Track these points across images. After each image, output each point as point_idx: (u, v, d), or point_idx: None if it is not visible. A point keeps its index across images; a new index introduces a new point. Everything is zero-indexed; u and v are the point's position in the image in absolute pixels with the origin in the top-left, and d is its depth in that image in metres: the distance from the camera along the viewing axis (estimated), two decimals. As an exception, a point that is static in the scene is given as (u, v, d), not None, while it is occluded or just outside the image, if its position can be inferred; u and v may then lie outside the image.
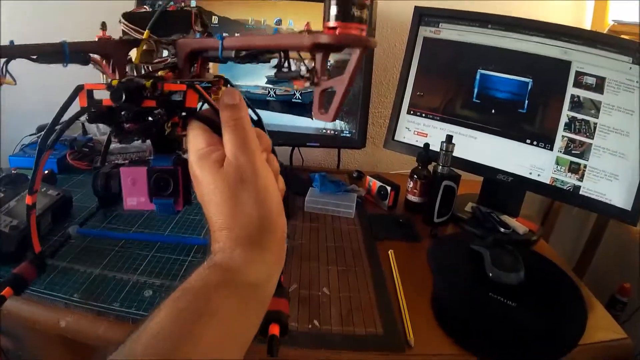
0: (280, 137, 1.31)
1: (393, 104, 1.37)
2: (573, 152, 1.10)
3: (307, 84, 0.48)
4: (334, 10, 0.42)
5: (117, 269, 0.92)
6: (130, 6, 0.91)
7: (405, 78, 1.33)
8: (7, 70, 0.64)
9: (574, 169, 1.10)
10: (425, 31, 1.29)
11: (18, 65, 0.59)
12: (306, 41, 0.47)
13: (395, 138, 1.37)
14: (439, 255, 1.03)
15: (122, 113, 0.60)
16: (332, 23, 0.43)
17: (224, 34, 0.62)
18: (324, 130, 1.37)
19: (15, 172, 1.13)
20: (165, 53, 0.77)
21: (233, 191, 0.48)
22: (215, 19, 0.79)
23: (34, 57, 0.66)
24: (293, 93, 1.34)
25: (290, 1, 1.32)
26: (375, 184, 1.30)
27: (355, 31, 0.42)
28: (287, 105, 1.36)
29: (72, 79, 0.63)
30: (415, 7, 1.28)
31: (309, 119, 1.35)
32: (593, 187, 1.08)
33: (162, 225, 1.10)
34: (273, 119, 1.35)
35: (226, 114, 0.53)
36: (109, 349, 0.42)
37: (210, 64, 0.77)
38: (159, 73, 0.70)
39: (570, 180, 1.11)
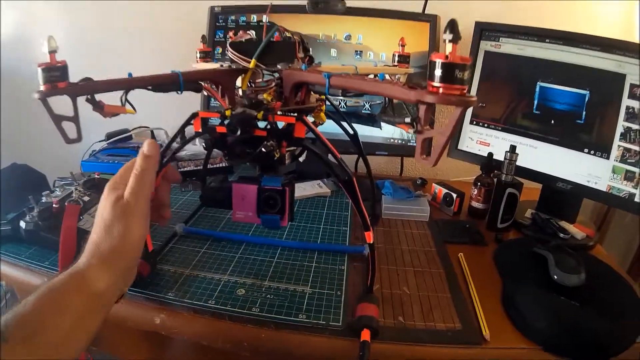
0: (350, 146, 1.42)
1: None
2: (628, 161, 1.16)
3: (412, 131, 0.59)
4: (438, 72, 0.50)
5: (206, 269, 1.00)
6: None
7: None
8: (127, 100, 0.77)
9: (630, 177, 1.17)
10: (486, 45, 1.38)
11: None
12: (412, 97, 0.55)
13: (459, 147, 1.47)
14: (504, 258, 1.12)
15: (235, 141, 0.75)
16: (436, 83, 0.50)
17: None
18: (392, 140, 1.47)
19: (98, 176, 1.24)
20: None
21: (113, 220, 0.66)
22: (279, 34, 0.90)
23: (150, 87, 0.79)
24: (363, 105, 1.45)
25: (359, 17, 1.43)
26: (441, 190, 1.40)
27: (456, 92, 0.50)
28: (356, 115, 1.47)
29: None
30: (476, 22, 1.37)
31: (378, 129, 1.46)
32: None
33: (247, 226, 1.21)
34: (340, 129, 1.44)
35: (138, 161, 0.70)
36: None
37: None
38: (264, 95, 0.82)
39: (626, 187, 1.18)
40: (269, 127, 0.75)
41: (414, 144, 1.42)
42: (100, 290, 0.62)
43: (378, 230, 1.23)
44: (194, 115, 0.81)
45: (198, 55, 1.02)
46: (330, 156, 0.81)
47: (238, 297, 0.91)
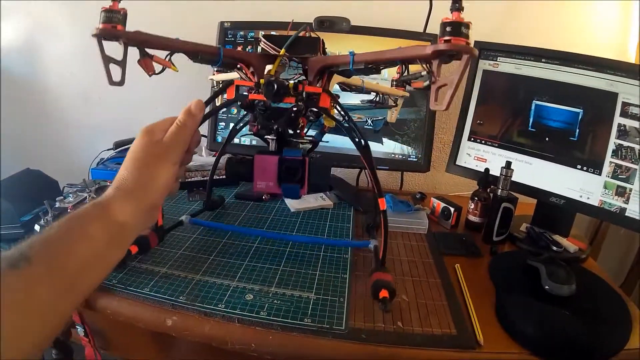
0: (352, 160, 1.48)
1: (455, 131, 1.53)
2: (620, 176, 1.23)
3: (426, 82, 0.73)
4: (448, 28, 0.64)
5: (215, 275, 1.06)
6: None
7: (466, 107, 1.49)
8: (170, 60, 0.86)
9: (621, 192, 1.23)
10: (484, 64, 1.45)
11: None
12: (428, 50, 0.68)
13: (457, 163, 1.53)
14: (499, 270, 1.19)
15: (261, 106, 0.87)
16: (446, 37, 0.64)
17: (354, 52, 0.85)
18: (393, 155, 1.53)
19: (110, 183, 1.30)
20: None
21: (146, 158, 0.71)
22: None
23: (191, 56, 0.89)
24: (365, 120, 1.51)
25: (363, 36, 1.50)
26: (439, 204, 1.46)
27: (463, 42, 0.64)
28: (359, 131, 1.53)
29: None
30: (476, 41, 1.43)
31: (380, 144, 1.52)
32: (638, 209, 1.20)
33: (259, 223, 1.30)
34: (345, 143, 1.52)
35: (182, 116, 0.77)
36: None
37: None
38: (288, 83, 0.91)
39: (617, 202, 1.24)
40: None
41: (414, 159, 1.49)
42: (121, 221, 0.67)
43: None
44: (229, 83, 0.91)
45: (214, 68, 1.12)
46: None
47: (246, 302, 0.96)
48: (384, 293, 0.88)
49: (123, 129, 1.22)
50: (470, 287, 1.09)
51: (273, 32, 0.98)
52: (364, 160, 0.91)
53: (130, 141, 1.59)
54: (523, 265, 1.16)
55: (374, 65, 0.87)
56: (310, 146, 1.01)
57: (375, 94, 1.17)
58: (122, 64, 0.75)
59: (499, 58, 1.43)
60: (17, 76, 2.07)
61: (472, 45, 0.65)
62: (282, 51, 0.91)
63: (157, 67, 0.85)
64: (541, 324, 0.95)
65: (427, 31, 1.58)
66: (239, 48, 1.61)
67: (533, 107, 1.36)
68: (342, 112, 0.97)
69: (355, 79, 1.05)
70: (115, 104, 1.79)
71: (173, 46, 0.85)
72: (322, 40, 0.99)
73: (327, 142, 1.03)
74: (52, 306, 0.55)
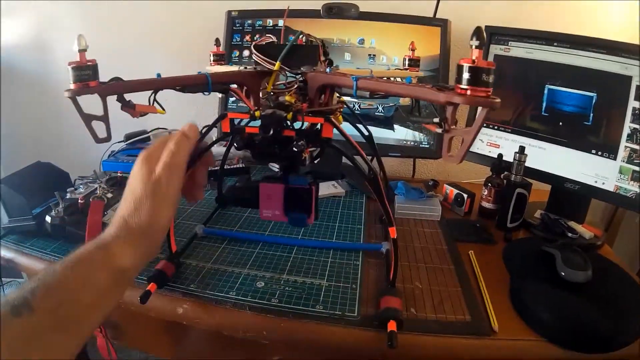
0: (364, 148, 1.47)
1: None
2: (635, 161, 1.20)
3: (439, 130, 0.63)
4: (466, 75, 0.55)
5: (226, 263, 1.06)
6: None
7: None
8: (155, 100, 0.80)
9: (636, 177, 1.20)
10: (495, 49, 1.43)
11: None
12: (442, 99, 0.60)
13: (470, 149, 1.50)
14: (513, 256, 1.17)
15: (266, 141, 0.79)
16: (464, 85, 0.56)
17: (365, 47, 0.77)
18: (405, 142, 1.52)
19: (120, 175, 1.30)
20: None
21: (144, 198, 0.67)
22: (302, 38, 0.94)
23: (179, 88, 0.82)
24: (376, 107, 1.50)
25: (372, 22, 1.49)
26: (452, 191, 1.45)
27: (482, 94, 0.56)
28: (370, 118, 1.53)
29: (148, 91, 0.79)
30: (486, 26, 1.40)
31: (391, 131, 1.51)
32: None
33: (263, 226, 1.26)
34: (356, 131, 1.49)
35: (175, 139, 0.73)
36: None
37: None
38: (286, 97, 0.86)
39: (633, 187, 1.21)
40: (296, 127, 0.79)
41: (426, 146, 1.47)
42: (124, 266, 0.65)
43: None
44: (223, 116, 0.85)
45: (212, 58, 1.06)
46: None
47: (258, 289, 0.96)
48: (391, 326, 0.84)
49: (134, 121, 1.21)
50: (484, 274, 1.08)
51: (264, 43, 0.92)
52: (372, 191, 0.86)
53: (141, 133, 1.60)
54: (538, 251, 1.15)
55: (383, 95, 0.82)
56: (318, 152, 0.95)
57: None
58: (105, 119, 0.70)
59: (510, 43, 1.41)
60: (29, 73, 2.09)
61: (491, 92, 0.57)
62: (277, 65, 0.87)
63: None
64: (557, 311, 0.94)
65: (437, 16, 1.56)
66: (247, 37, 1.60)
67: (546, 91, 1.34)
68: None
69: (363, 70, 0.93)
70: (126, 96, 1.79)
71: (154, 86, 0.79)
72: (322, 44, 0.94)
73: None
74: (54, 352, 0.55)
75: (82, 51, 0.68)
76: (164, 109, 0.80)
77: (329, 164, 1.54)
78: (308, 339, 0.90)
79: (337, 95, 0.92)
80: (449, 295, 1.00)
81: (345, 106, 0.96)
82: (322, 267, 1.07)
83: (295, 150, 0.77)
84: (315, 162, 0.89)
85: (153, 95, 0.79)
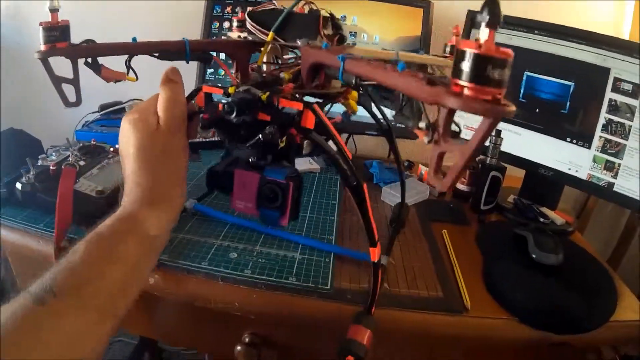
0: (341, 125, 1.45)
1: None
2: (609, 151, 1.22)
3: (426, 139, 0.48)
4: (467, 67, 0.36)
5: (199, 234, 1.04)
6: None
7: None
8: (129, 66, 0.72)
9: (609, 167, 1.22)
10: (475, 33, 1.42)
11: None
12: (426, 95, 0.41)
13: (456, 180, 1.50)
14: (486, 238, 1.18)
15: (236, 123, 0.65)
16: (463, 81, 0.37)
17: (348, 55, 0.59)
18: (382, 121, 1.51)
19: (94, 143, 1.27)
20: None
21: (155, 159, 0.63)
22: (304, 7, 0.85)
23: (156, 54, 0.73)
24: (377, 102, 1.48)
25: (355, 0, 1.48)
26: (427, 172, 1.43)
27: (488, 97, 0.36)
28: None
29: (123, 59, 0.72)
30: (469, 10, 1.41)
31: (365, 111, 1.49)
32: (626, 184, 1.20)
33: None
34: (334, 108, 1.46)
35: (165, 89, 0.66)
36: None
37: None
38: (284, 74, 0.75)
39: (605, 177, 1.23)
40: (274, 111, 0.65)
41: (402, 126, 1.45)
42: (154, 233, 0.61)
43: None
44: (197, 90, 0.73)
45: (235, 24, 0.87)
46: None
47: (230, 260, 0.95)
48: None
49: (109, 92, 1.19)
50: (458, 253, 1.09)
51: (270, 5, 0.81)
52: (354, 200, 0.69)
53: (115, 104, 1.57)
54: (510, 234, 1.16)
55: (369, 86, 0.72)
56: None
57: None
58: (75, 82, 0.67)
59: (490, 28, 1.39)
60: (2, 40, 2.04)
61: (502, 94, 0.37)
62: (270, 35, 0.77)
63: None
64: (528, 292, 0.95)
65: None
66: (228, 9, 1.57)
67: (524, 78, 1.35)
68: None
69: (389, 53, 0.77)
70: (112, 60, 1.76)
71: (127, 50, 0.71)
72: (331, 15, 0.80)
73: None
74: (86, 336, 0.52)
75: (53, 11, 0.64)
76: (137, 76, 0.73)
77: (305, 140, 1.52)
78: (280, 311, 0.90)
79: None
80: (422, 272, 1.00)
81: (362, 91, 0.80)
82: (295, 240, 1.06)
83: (262, 140, 0.63)
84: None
85: (128, 61, 0.72)
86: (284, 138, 0.65)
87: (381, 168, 1.42)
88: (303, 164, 1.48)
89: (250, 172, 0.70)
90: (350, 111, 0.81)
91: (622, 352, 0.97)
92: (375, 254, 0.73)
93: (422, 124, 0.48)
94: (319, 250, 1.02)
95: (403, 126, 0.68)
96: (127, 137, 0.64)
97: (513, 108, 0.36)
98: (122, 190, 0.65)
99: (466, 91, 0.36)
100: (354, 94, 0.79)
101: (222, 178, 0.73)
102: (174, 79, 0.67)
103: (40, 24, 0.64)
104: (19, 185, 1.07)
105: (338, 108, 0.85)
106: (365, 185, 0.67)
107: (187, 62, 0.76)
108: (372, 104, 0.88)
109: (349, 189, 0.67)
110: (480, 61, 0.35)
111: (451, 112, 0.43)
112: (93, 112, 1.65)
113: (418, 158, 1.72)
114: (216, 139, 1.38)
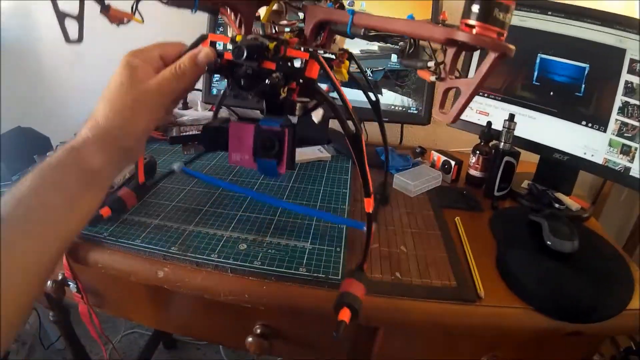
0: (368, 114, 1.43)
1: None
2: (625, 135, 1.18)
3: (433, 77, 0.53)
4: (475, 8, 0.44)
5: (209, 226, 1.03)
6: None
7: (468, 60, 1.44)
8: (137, 9, 0.71)
9: (626, 151, 1.18)
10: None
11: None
12: (439, 34, 0.48)
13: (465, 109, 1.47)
14: (500, 224, 1.15)
15: (242, 70, 0.67)
16: (471, 21, 0.44)
17: (355, 9, 0.64)
18: (392, 107, 1.48)
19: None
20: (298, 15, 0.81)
21: (122, 102, 0.62)
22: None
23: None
24: (364, 71, 1.46)
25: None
26: (439, 158, 1.42)
27: (493, 34, 0.44)
28: (357, 82, 1.47)
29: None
30: None
31: (378, 95, 1.47)
32: None
33: (254, 176, 1.26)
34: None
35: (187, 62, 0.66)
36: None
37: (338, 37, 0.81)
38: (285, 36, 0.75)
39: (622, 161, 1.19)
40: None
41: (414, 111, 1.43)
42: (94, 168, 0.61)
43: (377, 194, 1.24)
44: (203, 38, 0.72)
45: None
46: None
47: (240, 252, 0.94)
48: (343, 315, 0.72)
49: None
50: (471, 241, 1.06)
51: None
52: (352, 150, 0.72)
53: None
54: (525, 220, 1.13)
55: (378, 35, 0.70)
56: (314, 105, 0.82)
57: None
58: (79, 18, 0.64)
59: (503, 10, 1.36)
60: (9, 38, 2.03)
61: (505, 36, 0.46)
62: None
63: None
64: (542, 279, 0.93)
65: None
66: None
67: (538, 60, 1.31)
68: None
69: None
70: (108, 63, 1.75)
71: None
72: None
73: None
74: (32, 262, 0.54)
75: None
76: (142, 19, 0.72)
77: (315, 128, 1.50)
78: (291, 302, 0.88)
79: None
80: (434, 260, 0.97)
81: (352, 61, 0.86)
82: (306, 229, 1.04)
83: (270, 83, 0.66)
84: (316, 119, 0.80)
85: (135, 3, 0.71)
86: (285, 89, 0.67)
87: (392, 155, 1.39)
88: (313, 152, 1.46)
89: (245, 123, 0.72)
90: (339, 78, 0.83)
91: (639, 340, 0.95)
92: (369, 204, 0.75)
93: (430, 64, 0.54)
94: (329, 240, 1.00)
95: (415, 110, 0.70)
96: (114, 75, 0.64)
97: (513, 48, 0.45)
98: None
99: (475, 29, 0.45)
100: (346, 63, 0.82)
101: (217, 134, 0.74)
102: (202, 63, 0.67)
103: None
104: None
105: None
106: (362, 136, 0.69)
107: (194, 12, 0.74)
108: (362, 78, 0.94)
109: (347, 138, 0.69)
110: (488, 3, 0.44)
111: (458, 52, 0.50)
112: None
113: (430, 144, 1.70)
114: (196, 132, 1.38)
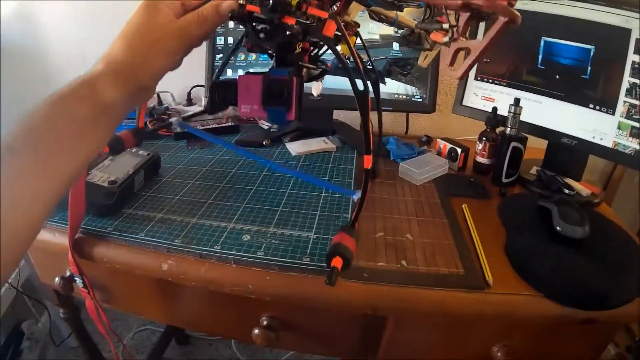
0: (355, 102, 1.41)
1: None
2: (634, 117, 1.15)
3: (446, 38, 0.57)
4: None
5: (212, 218, 1.02)
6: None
7: (474, 33, 1.37)
8: None
9: (635, 133, 1.15)
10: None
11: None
12: None
13: (464, 103, 1.46)
14: (509, 211, 1.13)
15: (262, 22, 0.70)
16: None
17: None
18: (396, 95, 1.46)
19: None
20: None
21: (142, 40, 0.64)
22: None
23: None
24: (367, 61, 1.44)
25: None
26: (445, 146, 1.39)
27: (504, 1, 0.50)
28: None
29: None
30: None
31: (382, 85, 1.45)
32: None
33: (259, 168, 1.24)
34: (347, 85, 1.41)
35: (209, 9, 0.67)
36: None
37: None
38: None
39: (632, 144, 1.16)
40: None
41: (419, 99, 1.42)
42: (107, 101, 0.61)
43: (383, 183, 1.24)
44: None
45: None
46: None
47: (243, 243, 0.93)
48: (336, 262, 0.76)
49: None
50: (479, 228, 1.04)
51: None
52: (358, 107, 0.75)
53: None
54: (534, 206, 1.11)
55: (394, 1, 0.75)
56: (318, 74, 0.88)
57: (409, 30, 0.95)
58: None
59: (506, -6, 1.33)
60: (11, 41, 2.04)
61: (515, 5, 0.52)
62: None
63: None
64: (554, 266, 0.90)
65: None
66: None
67: (542, 44, 1.28)
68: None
69: (390, 12, 0.88)
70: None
71: None
72: None
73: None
74: (41, 191, 0.54)
75: None
76: None
77: (320, 119, 1.49)
78: (295, 292, 0.87)
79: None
80: (441, 248, 0.96)
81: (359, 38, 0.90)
82: (309, 220, 1.03)
83: (289, 34, 0.69)
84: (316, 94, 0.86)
85: None
86: (300, 45, 0.72)
87: (398, 144, 1.38)
88: (317, 144, 1.45)
89: (253, 75, 0.74)
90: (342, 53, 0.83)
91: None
92: (368, 161, 0.77)
93: (445, 25, 0.58)
94: (333, 230, 0.98)
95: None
96: (132, 16, 0.65)
97: (519, 17, 0.51)
98: None
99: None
100: (353, 38, 0.85)
101: (225, 88, 0.77)
102: (223, 14, 0.68)
103: None
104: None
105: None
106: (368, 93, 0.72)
107: None
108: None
109: (355, 94, 0.72)
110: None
111: (471, 17, 0.55)
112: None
113: (436, 133, 1.68)
114: (231, 124, 1.38)
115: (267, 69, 0.76)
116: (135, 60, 0.63)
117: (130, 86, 0.64)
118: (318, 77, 0.87)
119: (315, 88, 0.79)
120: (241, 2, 0.69)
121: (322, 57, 0.88)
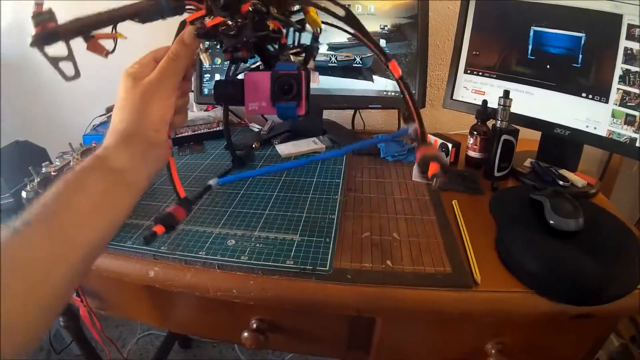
0: (344, 101, 1.39)
1: (450, 64, 1.42)
2: (628, 104, 1.12)
3: None
4: None
5: (199, 223, 1.02)
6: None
7: (460, 38, 1.38)
8: (115, 29, 0.69)
9: (630, 121, 1.12)
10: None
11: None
12: None
13: (454, 97, 1.43)
14: (501, 205, 1.10)
15: (221, 27, 0.70)
16: None
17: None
18: (385, 92, 1.44)
19: (95, 145, 1.25)
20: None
21: (131, 100, 0.65)
22: None
23: (135, 18, 0.70)
24: (353, 58, 1.42)
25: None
26: (436, 141, 1.37)
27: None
28: (348, 70, 1.44)
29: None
30: None
31: (370, 82, 1.43)
32: None
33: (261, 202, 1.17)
34: (335, 84, 1.42)
35: (174, 47, 0.69)
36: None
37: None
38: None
39: (627, 132, 1.13)
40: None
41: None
42: (117, 167, 0.62)
43: (370, 181, 1.23)
44: (183, 24, 0.74)
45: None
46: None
47: (228, 247, 0.93)
48: (434, 168, 0.74)
49: (115, 95, 1.16)
50: (470, 225, 1.02)
51: None
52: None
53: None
54: (526, 199, 1.08)
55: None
56: (304, 57, 0.87)
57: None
58: (70, 58, 0.65)
59: (492, -16, 1.32)
60: (9, 55, 2.05)
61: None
62: None
63: (108, 46, 0.74)
64: (545, 261, 0.87)
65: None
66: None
67: (531, 33, 1.25)
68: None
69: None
70: (107, 71, 1.75)
71: (113, 17, 0.69)
72: None
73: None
74: (59, 259, 0.54)
75: (39, 4, 0.63)
76: (123, 35, 0.70)
77: (310, 120, 1.48)
78: (278, 295, 0.86)
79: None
80: (428, 246, 0.94)
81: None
82: (295, 222, 1.02)
83: (253, 10, 0.69)
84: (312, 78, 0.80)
85: (113, 29, 0.69)
86: (270, 25, 0.72)
87: (388, 142, 1.36)
88: (307, 144, 1.43)
89: (260, 72, 0.74)
90: (315, 28, 0.85)
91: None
92: (395, 67, 0.79)
93: None
94: (319, 232, 0.98)
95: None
96: (118, 90, 0.67)
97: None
98: None
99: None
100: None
101: (230, 87, 0.76)
102: (189, 42, 0.69)
103: (33, 11, 0.63)
104: (24, 194, 1.08)
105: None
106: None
107: (167, 14, 0.70)
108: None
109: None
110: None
111: None
112: (100, 115, 1.67)
113: (427, 128, 1.66)
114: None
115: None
116: (132, 120, 0.65)
117: (137, 145, 0.65)
118: (310, 57, 0.86)
119: (312, 79, 0.78)
120: (198, 24, 0.70)
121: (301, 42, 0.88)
